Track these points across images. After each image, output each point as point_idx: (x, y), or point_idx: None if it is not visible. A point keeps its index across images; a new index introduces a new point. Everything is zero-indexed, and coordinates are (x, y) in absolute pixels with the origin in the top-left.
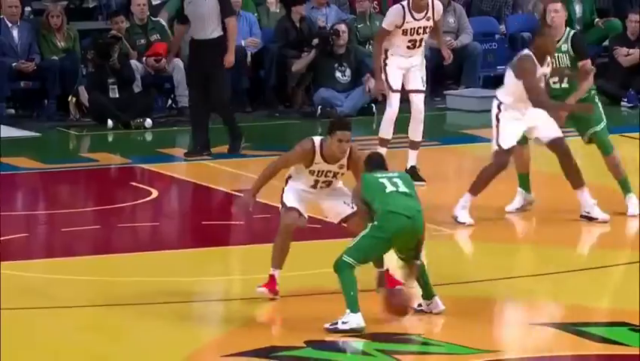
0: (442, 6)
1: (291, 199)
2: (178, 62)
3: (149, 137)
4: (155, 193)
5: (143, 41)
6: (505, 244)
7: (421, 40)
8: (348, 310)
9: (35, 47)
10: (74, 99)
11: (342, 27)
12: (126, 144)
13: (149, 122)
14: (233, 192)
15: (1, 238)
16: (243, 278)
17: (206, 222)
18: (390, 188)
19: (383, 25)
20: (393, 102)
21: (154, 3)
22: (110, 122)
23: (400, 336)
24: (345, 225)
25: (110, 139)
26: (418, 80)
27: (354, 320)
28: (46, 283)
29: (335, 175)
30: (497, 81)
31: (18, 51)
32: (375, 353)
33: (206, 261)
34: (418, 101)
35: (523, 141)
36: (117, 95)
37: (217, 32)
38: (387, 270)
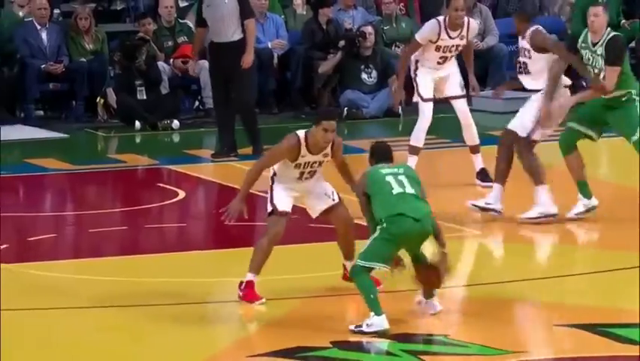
0: (477, 27)
1: (283, 202)
2: (205, 64)
3: (176, 138)
4: (182, 194)
5: (170, 43)
6: (530, 245)
7: (452, 57)
8: (372, 313)
9: (64, 49)
10: (102, 101)
11: (369, 29)
12: (153, 145)
13: (176, 123)
14: (258, 193)
15: (30, 239)
16: (268, 279)
17: (232, 222)
18: (397, 189)
19: (417, 37)
20: (426, 111)
21: (181, 5)
22: (137, 124)
23: (425, 337)
24: (323, 217)
25: (138, 140)
26: (455, 86)
27: (378, 323)
28: (73, 283)
29: (320, 164)
30: None
31: (47, 53)
32: (401, 353)
33: (232, 262)
34: (460, 106)
35: (573, 148)
36: (144, 97)
37: (238, 35)
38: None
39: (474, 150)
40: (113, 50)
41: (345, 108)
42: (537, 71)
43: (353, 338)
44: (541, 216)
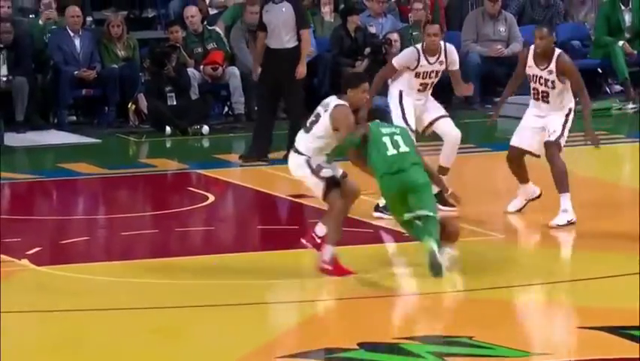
0: (456, 54)
1: (329, 171)
2: (234, 70)
3: (205, 143)
4: (211, 198)
5: (200, 50)
6: (553, 248)
7: (432, 83)
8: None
9: (96, 56)
10: (133, 106)
11: (395, 36)
12: (183, 150)
13: (206, 128)
14: (289, 198)
15: (63, 242)
16: (296, 281)
17: (261, 226)
18: (391, 151)
19: (394, 62)
20: None
21: (211, 13)
22: (167, 129)
23: (451, 339)
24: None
25: (168, 145)
26: (436, 109)
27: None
28: (106, 286)
29: None
30: None
31: (80, 60)
32: (426, 355)
33: (262, 264)
34: (445, 127)
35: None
36: (175, 103)
37: (292, 42)
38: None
39: (444, 171)
40: (144, 57)
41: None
42: (555, 100)
43: (379, 340)
44: (569, 222)
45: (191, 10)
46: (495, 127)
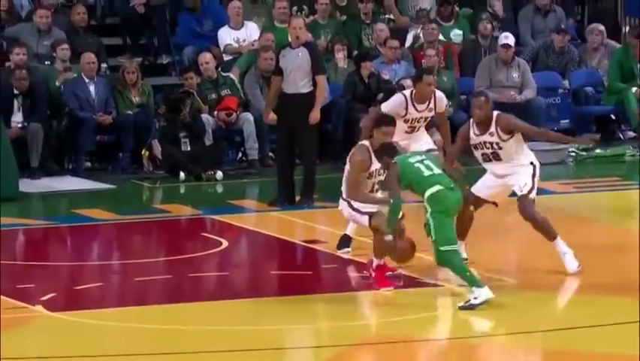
0: (445, 100)
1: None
2: (248, 116)
3: (219, 188)
4: (225, 243)
5: (214, 96)
6: (566, 294)
7: (420, 126)
8: (473, 288)
9: (111, 102)
10: (148, 152)
11: (408, 82)
12: (197, 195)
13: (220, 174)
14: (302, 243)
15: (77, 287)
16: (312, 327)
17: (275, 271)
18: (427, 172)
19: (382, 108)
20: None
21: (225, 59)
22: (182, 175)
23: None
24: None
25: (182, 191)
26: (426, 144)
27: (484, 293)
28: (120, 332)
29: (384, 172)
30: None
31: (95, 105)
32: None
33: (275, 310)
34: None
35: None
36: (189, 148)
37: (307, 88)
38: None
39: None
40: (158, 103)
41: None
42: (510, 156)
43: None
44: (578, 269)
45: (206, 57)
46: None
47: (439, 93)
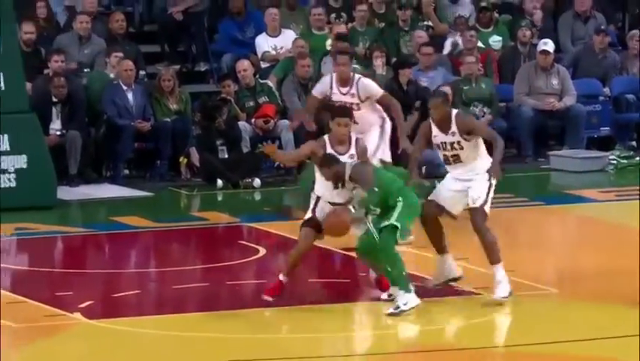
0: (372, 87)
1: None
2: (285, 123)
3: (257, 196)
4: (262, 251)
5: (251, 103)
6: (609, 303)
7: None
8: (402, 292)
9: (149, 109)
10: (185, 160)
11: (447, 89)
12: (235, 203)
13: (257, 181)
14: (340, 251)
15: (115, 295)
16: (349, 335)
17: (313, 279)
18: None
19: (313, 91)
20: None
21: (263, 66)
22: (219, 182)
23: None
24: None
25: (220, 198)
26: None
27: (413, 300)
28: (157, 340)
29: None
30: (601, 142)
31: (133, 113)
32: None
33: (314, 318)
34: None
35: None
36: (226, 156)
37: None
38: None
39: None
40: (195, 111)
41: (424, 167)
42: (469, 159)
43: None
44: (510, 294)
45: (244, 64)
46: (548, 181)
47: (364, 80)
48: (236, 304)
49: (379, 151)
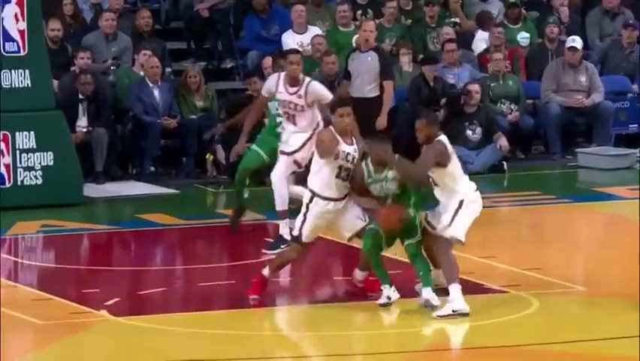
0: (322, 92)
1: (309, 232)
2: None
3: None
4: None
5: None
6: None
7: (293, 117)
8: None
9: (175, 107)
10: (211, 157)
11: (476, 87)
12: (261, 200)
13: None
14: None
15: (141, 292)
16: (375, 333)
17: (338, 277)
18: None
19: (262, 91)
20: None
21: None
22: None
23: None
24: (355, 238)
25: (245, 196)
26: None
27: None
28: (184, 337)
29: (354, 160)
30: (629, 139)
31: (160, 110)
32: None
33: (340, 315)
34: (278, 166)
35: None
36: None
37: (373, 92)
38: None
39: (282, 215)
40: (221, 108)
41: None
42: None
43: None
44: (454, 313)
45: (270, 61)
46: (575, 178)
47: (315, 84)
48: (262, 302)
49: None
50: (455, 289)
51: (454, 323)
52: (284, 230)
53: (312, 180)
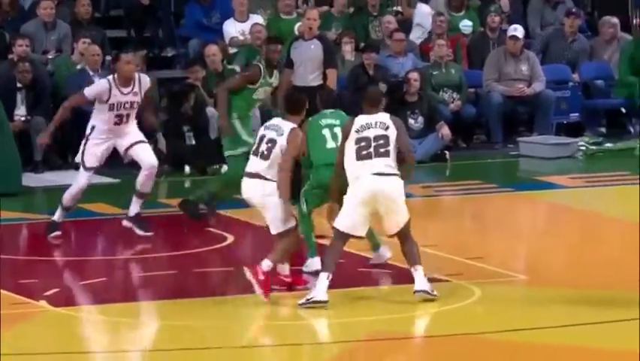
0: (149, 80)
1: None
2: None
3: None
4: (230, 238)
5: None
6: (578, 290)
7: (128, 115)
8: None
9: None
10: (152, 146)
11: (415, 75)
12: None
13: (225, 168)
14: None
15: (81, 283)
16: (316, 323)
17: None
18: (330, 144)
19: (85, 92)
20: (83, 180)
21: (230, 51)
22: (187, 169)
23: None
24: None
25: (187, 185)
26: (134, 133)
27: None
28: (124, 327)
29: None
30: (570, 128)
31: None
32: None
33: (282, 306)
34: (142, 153)
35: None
36: (193, 142)
37: (316, 81)
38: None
39: (141, 195)
40: (162, 96)
41: None
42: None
43: None
44: (309, 302)
45: (212, 49)
46: (517, 167)
47: (144, 77)
48: (203, 292)
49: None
50: (322, 279)
51: (396, 313)
52: None
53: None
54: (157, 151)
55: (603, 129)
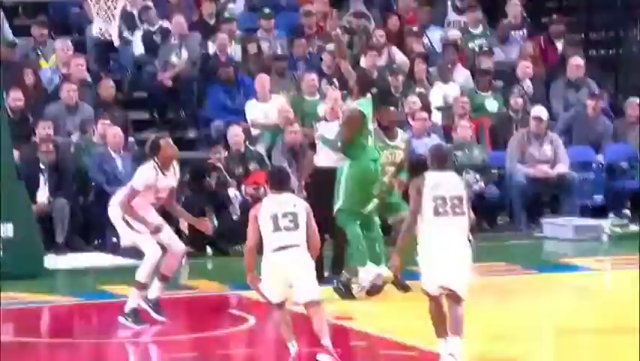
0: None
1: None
2: None
3: None
4: (252, 320)
5: (241, 170)
6: None
7: (161, 199)
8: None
9: None
10: (174, 227)
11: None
12: (224, 271)
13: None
14: (333, 320)
15: None
16: None
17: (304, 348)
18: None
19: (133, 184)
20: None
21: (253, 133)
22: (208, 250)
23: None
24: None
25: (209, 266)
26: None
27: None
28: None
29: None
30: (594, 210)
31: (122, 180)
32: None
33: None
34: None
35: None
36: (215, 223)
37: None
38: None
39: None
40: (186, 173)
41: None
42: None
43: None
44: None
45: (235, 130)
46: (541, 249)
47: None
48: None
49: None
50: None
51: None
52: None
53: None
54: (179, 232)
55: (628, 211)
